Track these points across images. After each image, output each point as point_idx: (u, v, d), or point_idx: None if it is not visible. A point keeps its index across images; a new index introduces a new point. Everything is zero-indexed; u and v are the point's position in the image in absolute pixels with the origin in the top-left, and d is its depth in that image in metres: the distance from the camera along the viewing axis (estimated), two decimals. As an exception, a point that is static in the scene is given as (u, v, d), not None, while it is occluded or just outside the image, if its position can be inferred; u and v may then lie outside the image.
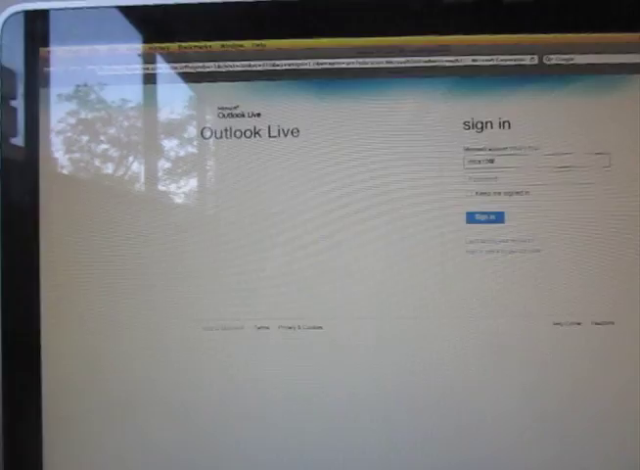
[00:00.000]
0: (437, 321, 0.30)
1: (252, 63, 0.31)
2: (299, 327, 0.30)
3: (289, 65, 0.31)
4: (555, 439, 0.30)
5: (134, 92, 0.31)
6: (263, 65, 0.31)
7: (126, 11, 0.31)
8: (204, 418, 0.31)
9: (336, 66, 0.31)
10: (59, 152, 0.31)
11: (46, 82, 0.31)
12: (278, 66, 0.31)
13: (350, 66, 0.31)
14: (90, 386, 0.31)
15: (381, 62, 0.31)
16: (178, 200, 0.31)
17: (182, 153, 0.31)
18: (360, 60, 0.31)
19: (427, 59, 0.30)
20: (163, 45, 0.31)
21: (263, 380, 0.31)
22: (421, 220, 0.30)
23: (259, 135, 0.31)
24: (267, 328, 0.30)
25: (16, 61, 0.31)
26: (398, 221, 0.30)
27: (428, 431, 0.30)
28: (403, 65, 0.30)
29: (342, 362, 0.30)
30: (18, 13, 0.31)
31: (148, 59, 0.31)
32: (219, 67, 0.31)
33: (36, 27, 0.31)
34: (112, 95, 0.31)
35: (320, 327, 0.30)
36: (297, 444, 0.31)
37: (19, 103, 0.31)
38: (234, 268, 0.31)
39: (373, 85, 0.31)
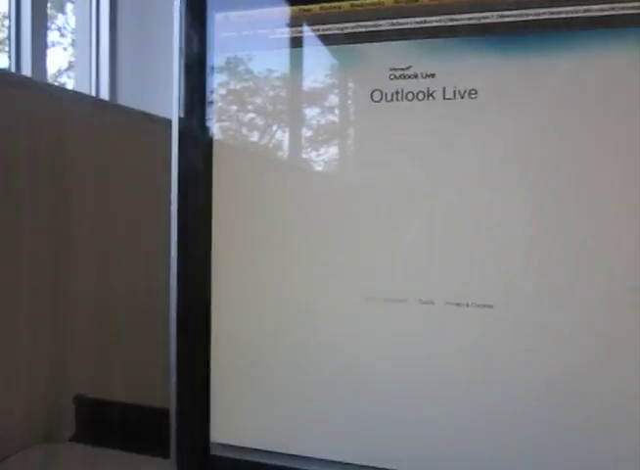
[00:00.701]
0: (633, 311, 0.25)
1: (428, 19, 0.28)
2: (468, 304, 0.28)
3: (468, 19, 0.27)
4: None
5: (306, 54, 0.30)
6: (440, 20, 0.28)
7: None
8: (353, 384, 0.30)
9: (522, 18, 0.27)
10: (234, 117, 0.31)
11: (222, 48, 0.31)
12: (456, 21, 0.27)
13: (540, 17, 0.26)
14: (254, 345, 0.31)
15: (577, 11, 0.26)
16: (348, 167, 0.29)
17: (351, 117, 0.29)
18: (552, 9, 0.26)
19: (637, 4, 0.25)
20: (335, 4, 0.29)
21: (421, 357, 0.29)
22: (606, 201, 0.26)
23: (433, 97, 0.28)
24: (432, 303, 0.28)
25: (193, 28, 0.31)
26: (582, 198, 0.26)
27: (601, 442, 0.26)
28: (606, 13, 0.25)
29: (511, 347, 0.27)
30: (196, -21, 0.31)
31: (319, 19, 0.29)
32: (392, 24, 0.28)
33: (212, -7, 0.31)
34: (284, 59, 0.30)
35: (491, 306, 0.27)
36: (449, 431, 0.28)
37: (197, 69, 0.31)
38: (402, 238, 0.28)
39: (566, 40, 0.26)
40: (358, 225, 0.29)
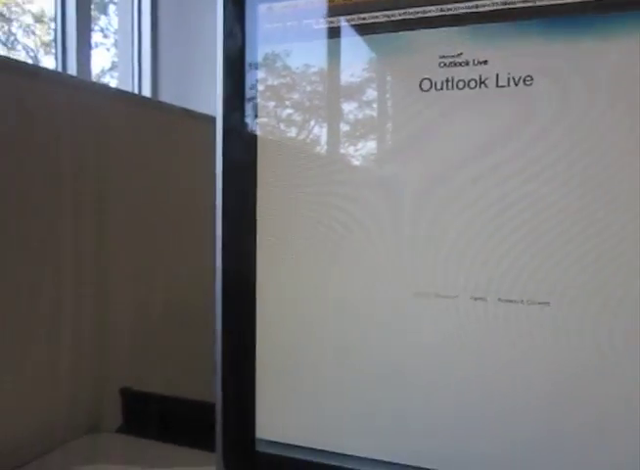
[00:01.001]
0: None
1: (480, 3, 0.26)
2: (522, 301, 0.26)
3: (523, 2, 0.26)
4: None
5: (352, 44, 0.28)
6: (492, 4, 0.26)
7: (344, -43, 0.28)
8: (399, 382, 0.29)
9: (581, -1, 0.25)
10: (279, 112, 0.30)
11: (266, 40, 0.30)
12: (510, 4, 0.26)
13: (600, -3, 0.25)
14: (299, 342, 0.30)
15: (643, -11, 0.24)
16: (396, 159, 0.28)
17: (399, 107, 0.28)
18: (614, -11, 0.24)
19: None
20: (382, -9, 0.28)
21: (470, 355, 0.27)
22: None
23: (485, 85, 0.26)
24: (484, 300, 0.27)
25: (235, 21, 0.31)
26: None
27: None
28: (675, -10, 0.24)
29: (568, 347, 0.25)
30: (239, -29, 0.30)
31: (366, 7, 0.28)
32: (442, 10, 0.27)
33: (255, -16, 0.30)
34: (329, 50, 0.29)
35: (547, 303, 0.26)
36: (499, 432, 0.27)
37: (240, 63, 0.30)
38: (454, 232, 0.27)
39: (628, 21, 0.24)
40: (407, 219, 0.28)
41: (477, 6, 0.26)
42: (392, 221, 0.28)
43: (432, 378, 0.28)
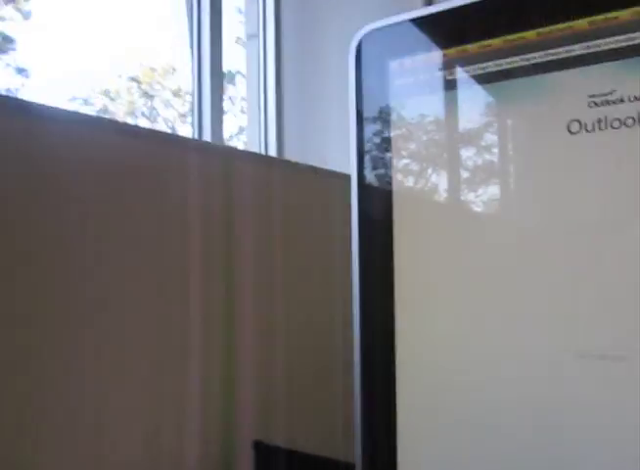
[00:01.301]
0: None
1: (633, 35, 0.24)
2: None
3: (685, 29, 0.23)
4: None
5: (489, 92, 0.27)
6: (648, 35, 0.24)
7: (477, 6, 0.28)
8: (556, 452, 0.25)
9: None
10: (412, 167, 0.30)
11: (397, 95, 0.30)
12: (670, 33, 0.23)
13: None
14: (443, 405, 0.28)
15: None
16: (547, 208, 0.26)
17: (545, 153, 0.26)
18: None
19: None
20: (519, 35, 0.27)
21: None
22: None
23: (646, 122, 0.24)
24: (661, 362, 0.23)
25: (367, 78, 0.31)
26: None
27: None
28: None
29: None
30: (370, 31, 0.31)
31: (501, 53, 0.27)
32: (588, 47, 0.25)
33: (386, 42, 0.30)
34: (466, 100, 0.28)
35: None
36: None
37: (373, 120, 0.31)
38: (619, 284, 0.24)
39: None
40: (564, 270, 0.25)
41: (629, 38, 0.24)
42: (547, 275, 0.26)
43: (598, 454, 0.25)
